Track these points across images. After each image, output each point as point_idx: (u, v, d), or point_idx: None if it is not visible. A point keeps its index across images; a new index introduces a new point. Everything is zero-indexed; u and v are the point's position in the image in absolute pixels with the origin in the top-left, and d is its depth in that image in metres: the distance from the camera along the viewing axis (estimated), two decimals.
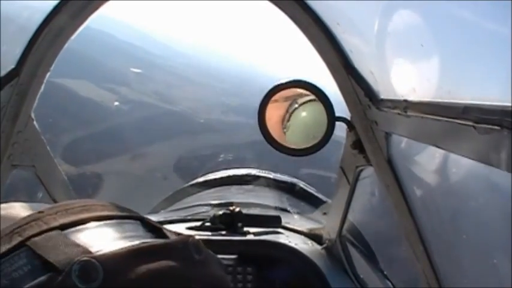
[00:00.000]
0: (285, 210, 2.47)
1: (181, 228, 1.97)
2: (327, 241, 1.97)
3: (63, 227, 0.49)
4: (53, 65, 1.54)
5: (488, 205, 1.09)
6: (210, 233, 1.92)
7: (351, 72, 1.45)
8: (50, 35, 1.46)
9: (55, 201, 1.79)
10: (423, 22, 1.03)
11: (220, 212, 1.99)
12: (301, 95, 1.52)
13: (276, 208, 2.47)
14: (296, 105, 1.52)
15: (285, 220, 2.10)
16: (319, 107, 1.49)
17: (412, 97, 1.10)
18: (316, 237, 2.02)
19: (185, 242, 0.51)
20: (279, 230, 2.03)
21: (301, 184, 3.02)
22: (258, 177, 2.99)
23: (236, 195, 2.70)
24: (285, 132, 1.55)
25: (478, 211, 1.13)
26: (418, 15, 1.03)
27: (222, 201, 2.45)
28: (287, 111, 1.53)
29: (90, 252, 0.45)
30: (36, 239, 0.47)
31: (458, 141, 0.86)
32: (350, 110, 1.49)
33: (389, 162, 1.37)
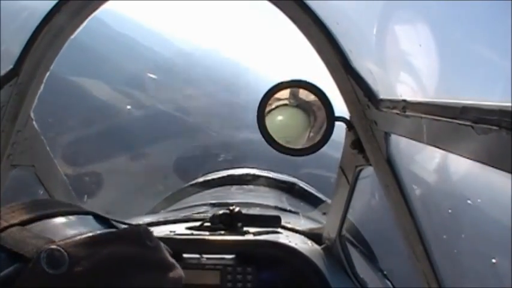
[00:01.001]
0: (284, 210, 2.47)
1: (180, 228, 1.97)
2: (326, 241, 1.97)
3: (23, 223, 0.53)
4: (53, 65, 1.54)
5: (487, 205, 1.09)
6: (209, 233, 1.92)
7: (350, 72, 1.45)
8: (49, 34, 1.46)
9: None
10: (422, 22, 1.03)
11: (220, 212, 1.99)
12: (275, 99, 1.52)
13: (275, 208, 2.47)
14: (270, 107, 1.53)
15: (285, 220, 2.10)
16: (292, 111, 1.51)
17: (411, 97, 1.10)
18: (316, 237, 2.02)
19: (138, 230, 0.57)
20: (279, 229, 2.03)
21: (301, 184, 3.03)
22: (257, 177, 3.00)
23: (236, 195, 2.70)
24: None
25: (478, 211, 1.13)
26: (417, 15, 1.03)
27: (222, 201, 2.45)
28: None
29: (55, 242, 0.49)
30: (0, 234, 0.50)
31: (457, 141, 0.86)
32: (349, 110, 1.49)
33: (389, 162, 1.37)
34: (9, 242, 0.49)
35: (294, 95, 1.52)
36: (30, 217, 0.53)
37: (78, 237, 0.51)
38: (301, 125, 1.54)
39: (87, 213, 0.59)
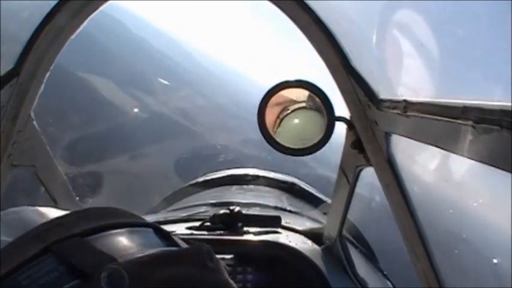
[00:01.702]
0: (284, 210, 2.47)
1: (181, 228, 1.97)
2: (326, 241, 1.97)
3: (85, 233, 0.51)
4: (53, 65, 1.54)
5: (488, 205, 1.09)
6: (209, 233, 1.92)
7: (351, 72, 1.45)
8: (49, 34, 1.46)
9: (55, 201, 1.79)
10: (423, 22, 1.03)
11: (220, 212, 1.99)
12: (293, 102, 1.52)
13: (275, 208, 2.47)
14: (287, 112, 1.53)
15: (285, 220, 2.10)
16: (310, 114, 1.51)
17: (412, 97, 1.10)
18: (316, 237, 2.02)
19: (199, 250, 0.55)
20: (279, 230, 2.03)
21: (301, 184, 3.03)
22: (257, 177, 2.99)
23: (236, 195, 2.70)
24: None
25: (478, 211, 1.13)
26: (417, 15, 1.03)
27: (222, 201, 2.45)
28: (278, 116, 1.54)
29: (115, 260, 0.48)
30: (61, 244, 0.49)
31: (458, 141, 0.86)
32: (350, 110, 1.49)
33: (389, 161, 1.37)
34: (69, 254, 0.48)
35: (311, 98, 1.52)
36: (92, 227, 0.52)
37: (140, 255, 0.49)
38: (319, 127, 1.53)
39: (148, 225, 0.57)
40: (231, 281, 0.57)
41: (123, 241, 0.52)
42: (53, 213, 0.62)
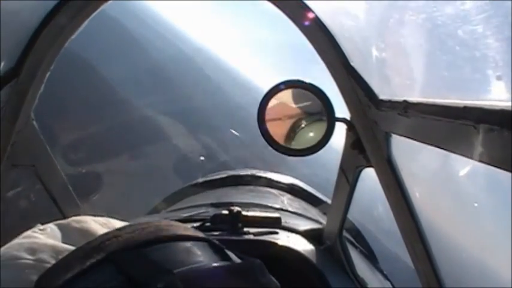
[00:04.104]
0: (284, 210, 2.47)
1: None
2: (327, 241, 1.97)
3: (142, 245, 0.53)
4: (53, 65, 1.54)
5: (488, 205, 1.09)
6: (210, 234, 1.92)
7: (351, 72, 1.45)
8: (50, 34, 1.46)
9: (55, 201, 1.79)
10: (423, 22, 1.03)
11: (220, 213, 1.99)
12: (306, 115, 1.52)
13: (275, 208, 2.47)
14: (302, 125, 1.53)
15: (285, 220, 2.10)
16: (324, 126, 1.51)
17: (412, 97, 1.10)
18: (316, 237, 2.02)
19: (252, 265, 0.57)
20: (279, 230, 2.03)
21: (301, 184, 3.03)
22: (257, 177, 3.00)
23: (236, 196, 2.70)
24: None
25: (478, 211, 1.13)
26: (418, 14, 1.03)
27: (222, 202, 2.45)
28: (292, 130, 1.54)
29: (171, 271, 0.49)
30: (119, 255, 0.51)
31: (459, 141, 0.86)
32: (350, 110, 1.49)
33: (389, 162, 1.37)
34: (128, 264, 0.49)
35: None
36: (149, 239, 0.53)
37: (195, 269, 0.51)
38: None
39: (203, 239, 0.59)
40: None
41: (179, 254, 0.54)
42: (112, 224, 0.66)
